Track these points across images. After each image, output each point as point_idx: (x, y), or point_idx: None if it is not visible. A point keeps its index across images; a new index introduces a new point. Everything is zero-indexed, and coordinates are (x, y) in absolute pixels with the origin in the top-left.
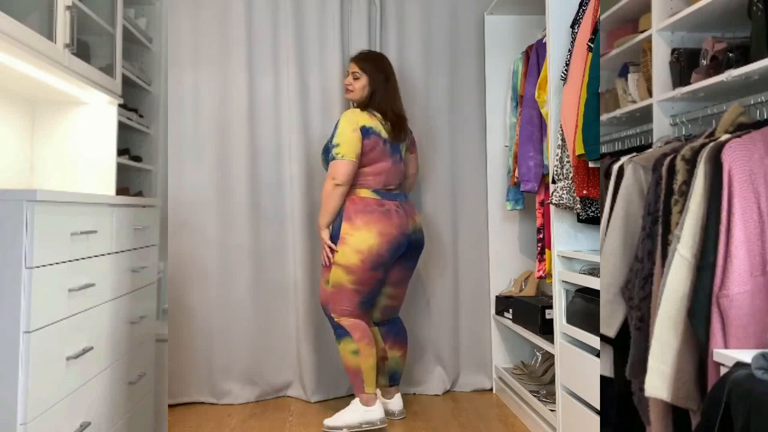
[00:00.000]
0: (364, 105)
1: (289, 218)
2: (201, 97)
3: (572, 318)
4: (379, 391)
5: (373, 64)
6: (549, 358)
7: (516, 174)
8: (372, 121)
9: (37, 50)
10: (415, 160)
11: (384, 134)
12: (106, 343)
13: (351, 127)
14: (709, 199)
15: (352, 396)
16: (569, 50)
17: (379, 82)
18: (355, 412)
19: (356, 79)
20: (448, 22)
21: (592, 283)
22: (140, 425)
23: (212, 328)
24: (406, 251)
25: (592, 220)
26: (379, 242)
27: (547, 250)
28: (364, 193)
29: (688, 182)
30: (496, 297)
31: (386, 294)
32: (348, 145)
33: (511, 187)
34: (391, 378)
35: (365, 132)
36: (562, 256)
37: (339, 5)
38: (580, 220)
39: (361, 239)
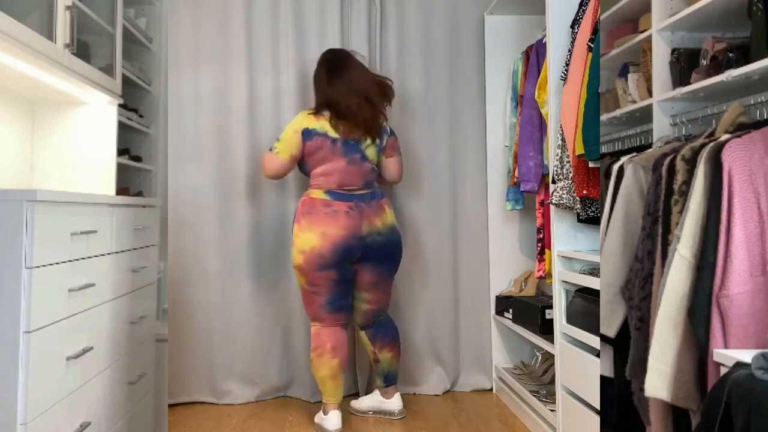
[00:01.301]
0: (316, 106)
1: (289, 218)
2: (201, 98)
3: (572, 318)
4: (377, 391)
5: (316, 64)
6: (549, 358)
7: (516, 174)
8: (317, 122)
9: (37, 50)
10: (393, 165)
11: (333, 134)
12: (106, 343)
13: (293, 129)
14: (709, 199)
15: (353, 396)
16: (569, 50)
17: (318, 80)
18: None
19: None
20: (448, 22)
21: (592, 283)
22: (140, 425)
23: (212, 328)
24: (369, 254)
25: (592, 220)
26: (321, 243)
27: (547, 250)
28: (315, 193)
29: (688, 182)
30: (496, 297)
31: (362, 299)
32: (285, 143)
33: (511, 187)
34: (386, 378)
35: (306, 134)
36: (562, 256)
37: (339, 5)
38: (580, 220)
39: (305, 240)
